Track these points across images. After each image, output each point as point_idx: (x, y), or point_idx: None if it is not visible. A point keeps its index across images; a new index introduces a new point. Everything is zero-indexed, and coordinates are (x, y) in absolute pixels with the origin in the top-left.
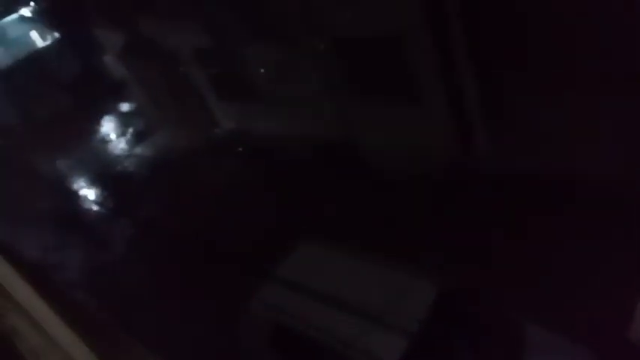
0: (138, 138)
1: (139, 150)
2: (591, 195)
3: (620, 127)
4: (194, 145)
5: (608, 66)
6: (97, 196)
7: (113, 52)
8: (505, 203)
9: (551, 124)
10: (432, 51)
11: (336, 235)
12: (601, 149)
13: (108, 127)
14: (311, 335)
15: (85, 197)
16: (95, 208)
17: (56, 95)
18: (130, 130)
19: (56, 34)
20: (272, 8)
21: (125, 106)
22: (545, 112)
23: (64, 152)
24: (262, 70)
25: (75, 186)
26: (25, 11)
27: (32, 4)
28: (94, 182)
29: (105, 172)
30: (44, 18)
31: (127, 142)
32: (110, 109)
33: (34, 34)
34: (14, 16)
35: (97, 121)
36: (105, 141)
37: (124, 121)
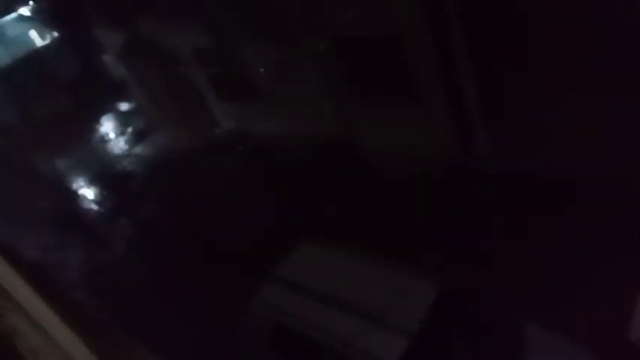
0: (138, 138)
1: (139, 150)
2: (591, 195)
3: (620, 127)
4: (194, 145)
5: (608, 66)
6: (96, 195)
7: (113, 51)
8: (505, 203)
9: (551, 124)
10: (432, 51)
11: (336, 235)
12: (601, 149)
13: (107, 126)
14: (311, 335)
15: (85, 197)
16: (95, 208)
17: (56, 95)
18: (130, 129)
19: (55, 34)
20: (272, 8)
21: (125, 106)
22: (545, 112)
23: (63, 152)
24: (262, 70)
25: (75, 186)
26: (24, 10)
27: (31, 3)
28: (94, 182)
29: (105, 172)
30: (43, 17)
31: (127, 142)
32: (110, 109)
33: (33, 34)
34: (13, 15)
35: (96, 121)
36: (104, 141)
37: (124, 120)
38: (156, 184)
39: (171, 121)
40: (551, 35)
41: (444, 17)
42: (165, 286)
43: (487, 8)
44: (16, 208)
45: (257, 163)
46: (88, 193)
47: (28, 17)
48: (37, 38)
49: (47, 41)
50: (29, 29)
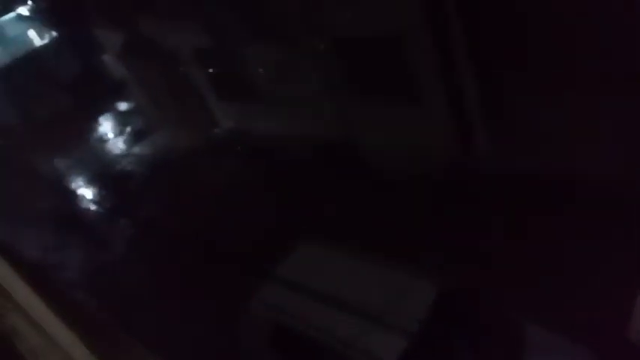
0: (137, 138)
1: (138, 150)
2: (591, 195)
3: (620, 127)
4: (194, 144)
5: (608, 66)
6: (96, 195)
7: (113, 51)
8: (505, 203)
9: (551, 124)
10: (432, 51)
11: (336, 235)
12: (601, 149)
13: (107, 126)
14: (311, 335)
15: (85, 197)
16: (95, 207)
17: (55, 95)
18: (130, 129)
19: (54, 34)
20: (272, 8)
21: (125, 106)
22: (545, 112)
23: (63, 152)
24: (262, 70)
25: (75, 186)
26: (23, 10)
27: (30, 2)
28: (93, 182)
29: (104, 172)
30: (42, 17)
31: (127, 142)
32: (110, 109)
33: (32, 33)
34: (12, 14)
35: (96, 121)
36: (104, 141)
37: (124, 120)
38: (156, 184)
39: (171, 121)
40: (551, 35)
41: (443, 17)
42: (165, 286)
43: (487, 9)
44: (16, 208)
45: (257, 163)
46: (87, 193)
47: (27, 17)
48: (36, 38)
49: (46, 41)
50: (27, 29)
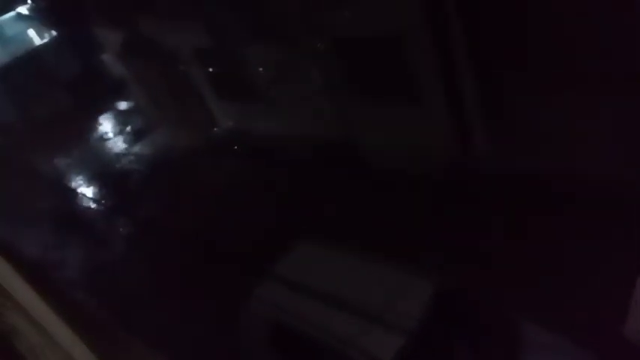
0: (137, 137)
1: (138, 149)
2: (590, 195)
3: (620, 127)
4: (194, 144)
5: (608, 66)
6: (96, 195)
7: (113, 51)
8: (505, 203)
9: (551, 124)
10: (432, 51)
11: (336, 235)
12: (601, 149)
13: (107, 126)
14: (310, 334)
15: (85, 196)
16: (95, 207)
17: (55, 94)
18: (130, 129)
19: (54, 33)
20: (272, 8)
21: (125, 106)
22: (545, 112)
23: (63, 151)
24: (262, 70)
25: (74, 185)
26: (23, 9)
27: (30, 2)
28: (93, 181)
29: (104, 172)
30: (42, 16)
31: (127, 142)
32: (110, 109)
33: (32, 33)
34: (11, 13)
35: (96, 121)
36: (104, 140)
37: (124, 120)
38: (155, 184)
39: (170, 120)
40: (551, 35)
41: (443, 17)
42: (165, 285)
43: (487, 9)
44: (16, 208)
45: (257, 162)
46: (87, 192)
47: (26, 16)
48: (36, 37)
49: (46, 40)
50: (27, 28)
